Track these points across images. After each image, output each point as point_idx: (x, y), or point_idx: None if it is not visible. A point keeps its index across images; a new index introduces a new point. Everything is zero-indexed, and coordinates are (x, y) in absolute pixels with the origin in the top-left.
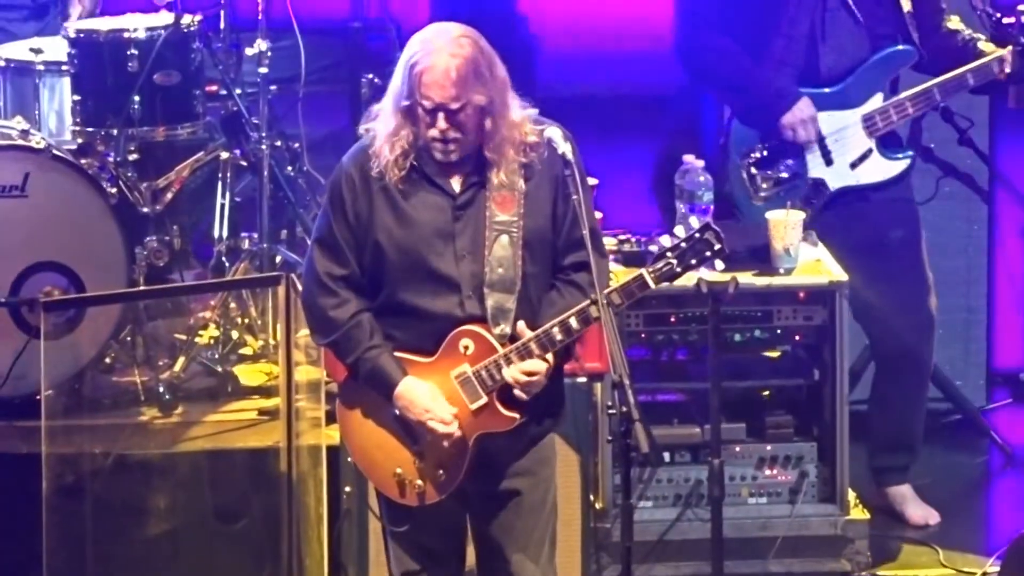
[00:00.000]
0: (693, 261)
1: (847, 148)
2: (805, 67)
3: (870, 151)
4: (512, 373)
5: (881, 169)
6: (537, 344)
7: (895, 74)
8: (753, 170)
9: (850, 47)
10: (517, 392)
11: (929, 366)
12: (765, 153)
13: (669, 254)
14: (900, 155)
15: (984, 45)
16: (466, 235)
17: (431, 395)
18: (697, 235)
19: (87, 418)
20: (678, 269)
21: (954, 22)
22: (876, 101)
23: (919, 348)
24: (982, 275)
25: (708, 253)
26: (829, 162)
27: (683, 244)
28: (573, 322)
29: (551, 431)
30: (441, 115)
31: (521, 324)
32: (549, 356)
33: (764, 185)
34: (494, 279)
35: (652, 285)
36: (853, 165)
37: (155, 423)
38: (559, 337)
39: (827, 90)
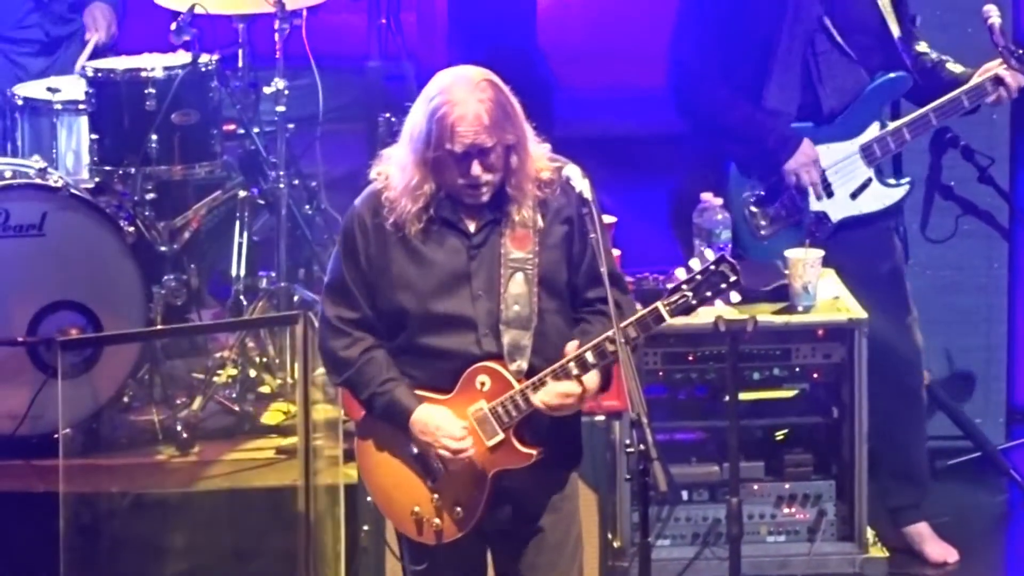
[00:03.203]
0: (708, 293)
1: (847, 179)
2: (807, 111)
3: (869, 180)
4: (544, 396)
5: (881, 197)
6: (553, 379)
7: (890, 102)
8: (753, 208)
9: (850, 85)
10: (547, 404)
11: (922, 400)
12: (763, 193)
13: (684, 287)
14: (899, 182)
15: (952, 66)
16: (481, 274)
17: (444, 416)
18: (712, 267)
19: (104, 457)
20: (693, 302)
21: (922, 46)
22: (873, 130)
23: (910, 381)
24: (1002, 313)
25: (723, 285)
26: (830, 194)
27: (698, 276)
28: (589, 356)
29: (571, 470)
30: (475, 161)
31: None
32: (586, 379)
33: (764, 223)
34: (510, 316)
35: (667, 318)
36: (854, 195)
37: (173, 462)
38: (575, 372)
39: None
